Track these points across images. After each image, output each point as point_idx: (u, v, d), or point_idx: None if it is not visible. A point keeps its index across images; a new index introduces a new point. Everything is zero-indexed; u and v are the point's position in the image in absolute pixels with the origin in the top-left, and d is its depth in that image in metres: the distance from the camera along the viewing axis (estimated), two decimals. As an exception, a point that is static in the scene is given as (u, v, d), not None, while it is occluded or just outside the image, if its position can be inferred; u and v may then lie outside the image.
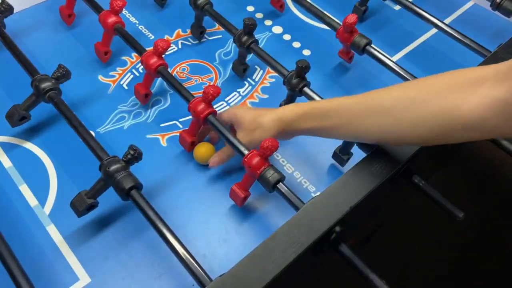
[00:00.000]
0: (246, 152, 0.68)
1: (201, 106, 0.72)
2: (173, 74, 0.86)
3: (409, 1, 0.96)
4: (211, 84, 0.91)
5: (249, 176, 0.68)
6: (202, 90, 0.72)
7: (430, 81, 0.57)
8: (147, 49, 0.82)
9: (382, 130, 0.59)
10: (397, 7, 1.08)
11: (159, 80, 0.90)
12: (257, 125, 0.69)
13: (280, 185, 0.65)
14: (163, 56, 0.80)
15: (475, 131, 0.52)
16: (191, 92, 0.77)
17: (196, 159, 0.78)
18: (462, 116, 0.51)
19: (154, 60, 0.79)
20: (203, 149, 0.77)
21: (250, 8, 1.07)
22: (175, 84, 0.78)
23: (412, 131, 0.56)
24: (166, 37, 0.99)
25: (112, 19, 0.85)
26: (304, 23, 1.05)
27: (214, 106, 0.81)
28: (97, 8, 0.89)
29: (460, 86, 0.53)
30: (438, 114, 0.53)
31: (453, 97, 0.52)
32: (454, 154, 1.01)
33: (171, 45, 0.97)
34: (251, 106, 0.72)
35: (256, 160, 0.66)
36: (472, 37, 0.87)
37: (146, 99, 0.85)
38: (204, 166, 0.78)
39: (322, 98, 0.78)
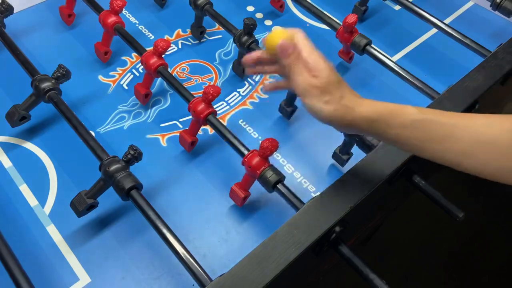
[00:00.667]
0: (246, 152, 0.68)
1: (201, 106, 0.72)
2: (173, 74, 0.86)
3: (409, 1, 0.96)
4: (211, 84, 0.91)
5: (249, 176, 0.68)
6: (202, 90, 0.72)
7: None
8: (147, 49, 0.82)
9: (491, 163, 0.51)
10: (397, 7, 1.08)
11: (159, 80, 0.90)
12: (337, 100, 0.54)
13: (280, 185, 0.65)
14: (163, 56, 0.80)
15: None
16: (191, 92, 0.77)
17: (267, 42, 0.60)
18: None
19: (154, 60, 0.79)
20: (278, 36, 0.58)
21: (250, 8, 1.07)
22: (175, 84, 0.78)
23: None
24: (166, 37, 0.99)
25: (112, 19, 0.85)
26: (304, 23, 1.05)
27: (214, 106, 0.81)
28: (97, 8, 0.89)
29: None
30: None
31: None
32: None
33: (171, 45, 0.97)
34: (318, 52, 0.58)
35: (256, 160, 0.66)
36: (472, 37, 0.87)
37: (146, 99, 0.85)
38: (204, 166, 0.78)
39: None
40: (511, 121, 0.51)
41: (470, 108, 0.72)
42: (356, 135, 0.70)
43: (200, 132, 0.82)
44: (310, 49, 0.57)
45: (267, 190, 0.66)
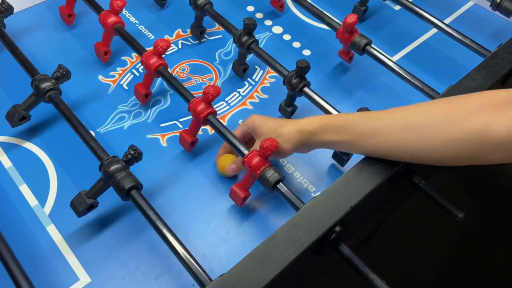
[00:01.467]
0: (246, 152, 0.68)
1: (201, 106, 0.72)
2: (173, 74, 0.86)
3: (409, 1, 0.96)
4: (211, 84, 0.91)
5: (249, 176, 0.68)
6: (202, 90, 0.72)
7: (459, 100, 0.57)
8: (147, 49, 0.82)
9: (409, 147, 0.58)
10: (397, 7, 1.08)
11: (159, 80, 0.90)
12: (277, 135, 0.67)
13: (280, 185, 0.65)
14: (163, 56, 0.80)
15: (505, 152, 0.52)
16: (191, 92, 0.77)
17: (219, 170, 0.77)
18: (494, 136, 0.51)
19: (154, 60, 0.79)
20: (225, 161, 0.75)
21: (250, 8, 1.07)
22: (175, 84, 0.78)
23: (445, 149, 0.55)
24: (166, 37, 0.99)
25: (112, 19, 0.85)
26: (304, 23, 1.05)
27: (214, 106, 0.81)
28: (97, 8, 0.89)
29: (490, 106, 0.53)
30: (470, 133, 0.53)
31: (484, 117, 0.52)
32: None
33: (171, 45, 0.97)
34: (269, 116, 0.71)
35: (256, 160, 0.66)
36: (472, 37, 0.87)
37: (146, 99, 0.85)
38: (204, 166, 0.79)
39: (322, 98, 0.78)
40: (427, 106, 0.59)
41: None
42: None
43: (200, 132, 0.82)
44: (248, 122, 0.72)
45: (267, 190, 0.66)
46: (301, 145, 0.66)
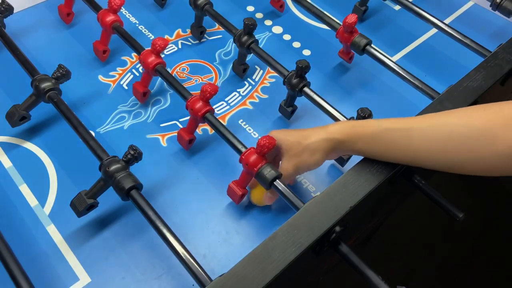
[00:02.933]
0: (243, 149, 0.68)
1: (199, 104, 0.73)
2: (173, 74, 0.86)
3: (409, 1, 0.96)
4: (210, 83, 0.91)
5: (246, 173, 0.68)
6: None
7: (493, 108, 0.56)
8: (145, 48, 0.82)
9: (449, 158, 0.57)
10: (397, 7, 1.08)
11: (159, 80, 0.90)
12: (303, 148, 0.64)
13: (277, 182, 0.65)
14: (162, 55, 0.80)
15: None
16: (191, 92, 0.77)
17: (254, 201, 0.73)
18: None
19: (152, 59, 0.79)
20: (261, 192, 0.72)
21: (250, 8, 1.07)
22: (172, 82, 0.78)
23: (489, 161, 0.55)
24: (166, 37, 0.99)
25: (110, 17, 0.85)
26: (304, 23, 1.05)
27: (214, 106, 0.81)
28: (96, 7, 0.89)
29: None
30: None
31: None
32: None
33: (171, 45, 0.97)
34: (289, 129, 0.68)
35: (253, 157, 0.66)
36: (472, 37, 0.87)
37: (144, 97, 0.85)
38: (205, 166, 0.79)
39: (322, 98, 0.78)
40: (461, 115, 0.57)
41: (470, 108, 0.72)
42: None
43: (199, 132, 0.82)
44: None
45: (265, 188, 0.66)
46: (331, 154, 0.64)
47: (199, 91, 0.73)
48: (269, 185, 0.65)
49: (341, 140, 0.62)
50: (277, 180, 0.65)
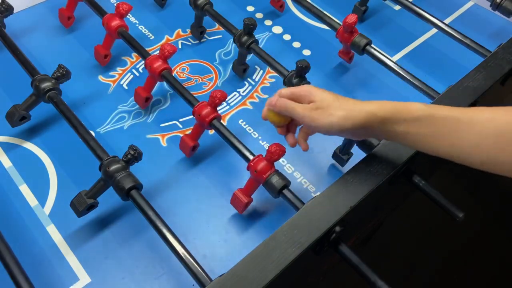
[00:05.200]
0: (251, 157, 0.67)
1: (207, 110, 0.72)
2: (173, 74, 0.85)
3: (409, 1, 0.96)
4: (211, 84, 0.91)
5: (254, 181, 0.67)
6: (202, 90, 0.72)
7: None
8: (147, 49, 0.82)
9: (498, 158, 0.52)
10: (397, 7, 1.08)
11: (159, 80, 0.90)
12: (339, 106, 0.57)
13: (286, 191, 0.65)
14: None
15: None
16: (191, 92, 0.77)
17: (271, 119, 0.64)
18: None
19: (158, 64, 0.79)
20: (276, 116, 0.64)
21: (250, 8, 1.07)
22: (179, 88, 0.77)
23: None
24: (166, 37, 0.99)
25: (116, 22, 0.85)
26: (304, 23, 1.05)
27: (214, 106, 0.81)
28: (101, 12, 0.89)
29: None
30: None
31: None
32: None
33: (171, 45, 0.97)
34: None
35: (262, 164, 0.65)
36: (472, 37, 0.87)
37: (146, 103, 0.85)
38: (204, 165, 0.79)
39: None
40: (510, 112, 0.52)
41: (470, 108, 0.72)
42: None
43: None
44: (295, 87, 0.62)
45: (272, 196, 0.66)
46: (361, 128, 0.57)
47: (201, 92, 0.73)
48: (278, 193, 0.65)
49: (382, 118, 0.56)
50: (285, 188, 0.64)
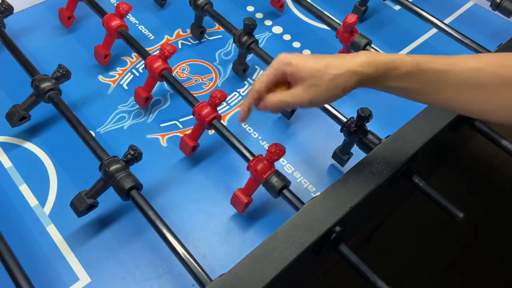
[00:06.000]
0: (251, 157, 0.67)
1: (207, 110, 0.72)
2: (173, 74, 0.85)
3: (409, 1, 0.96)
4: (211, 84, 0.91)
5: (254, 181, 0.67)
6: (202, 90, 0.72)
7: None
8: (147, 49, 0.82)
9: (482, 106, 0.54)
10: (397, 7, 1.08)
11: (159, 80, 0.90)
12: (326, 79, 0.54)
13: (286, 191, 0.65)
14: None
15: None
16: (191, 92, 0.77)
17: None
18: None
19: (158, 64, 0.79)
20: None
21: (250, 8, 1.07)
22: (179, 88, 0.77)
23: None
24: (166, 37, 0.99)
25: (116, 22, 0.85)
26: (304, 23, 1.05)
27: (214, 106, 0.81)
28: (101, 12, 0.89)
29: None
30: None
31: None
32: (454, 154, 1.01)
33: (171, 45, 0.97)
34: (305, 54, 0.60)
35: (261, 164, 0.65)
36: (472, 37, 0.87)
37: (146, 103, 0.85)
38: (204, 166, 0.79)
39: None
40: (501, 63, 0.52)
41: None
42: (356, 136, 0.70)
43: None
44: (266, 71, 0.58)
45: (272, 196, 0.66)
46: (354, 88, 0.56)
47: (201, 92, 0.73)
48: (278, 193, 0.65)
49: (370, 75, 0.54)
50: (285, 189, 0.64)
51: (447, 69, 0.54)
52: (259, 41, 0.88)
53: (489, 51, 0.83)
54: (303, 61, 0.56)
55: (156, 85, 0.89)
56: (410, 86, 0.55)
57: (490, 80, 0.52)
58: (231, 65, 0.93)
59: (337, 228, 0.58)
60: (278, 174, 0.65)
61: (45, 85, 0.76)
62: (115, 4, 0.87)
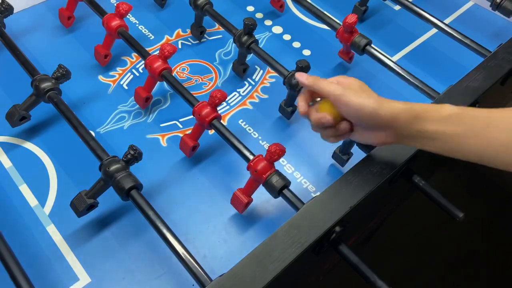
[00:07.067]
0: (251, 157, 0.67)
1: (207, 110, 0.72)
2: (173, 74, 0.85)
3: (409, 1, 0.96)
4: (211, 84, 0.91)
5: (254, 181, 0.67)
6: (202, 90, 0.72)
7: None
8: (147, 49, 0.82)
9: None
10: (397, 7, 1.08)
11: (159, 80, 0.90)
12: (372, 95, 0.56)
13: (286, 191, 0.65)
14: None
15: None
16: (191, 92, 0.77)
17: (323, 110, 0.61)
18: None
19: (158, 64, 0.79)
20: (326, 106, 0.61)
21: (250, 8, 1.07)
22: (179, 88, 0.77)
23: None
24: (166, 37, 0.99)
25: (116, 22, 0.85)
26: (304, 23, 1.05)
27: (214, 106, 0.81)
28: (101, 11, 0.89)
29: None
30: None
31: None
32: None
33: (171, 45, 0.97)
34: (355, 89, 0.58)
35: (262, 164, 0.65)
36: (472, 37, 0.87)
37: (146, 103, 0.85)
38: (204, 166, 0.79)
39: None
40: None
41: (470, 108, 0.72)
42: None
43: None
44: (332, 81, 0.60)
45: (272, 195, 0.66)
46: (389, 122, 0.55)
47: (201, 92, 0.73)
48: (278, 193, 0.65)
49: (414, 114, 0.54)
50: (285, 188, 0.64)
51: (489, 115, 0.53)
52: (259, 41, 0.88)
53: (489, 51, 0.83)
54: (360, 104, 0.56)
55: (156, 85, 0.89)
56: (451, 130, 0.53)
57: None
58: (231, 65, 0.93)
59: (337, 228, 0.58)
60: (278, 174, 0.65)
61: (45, 85, 0.76)
62: (115, 4, 0.87)
